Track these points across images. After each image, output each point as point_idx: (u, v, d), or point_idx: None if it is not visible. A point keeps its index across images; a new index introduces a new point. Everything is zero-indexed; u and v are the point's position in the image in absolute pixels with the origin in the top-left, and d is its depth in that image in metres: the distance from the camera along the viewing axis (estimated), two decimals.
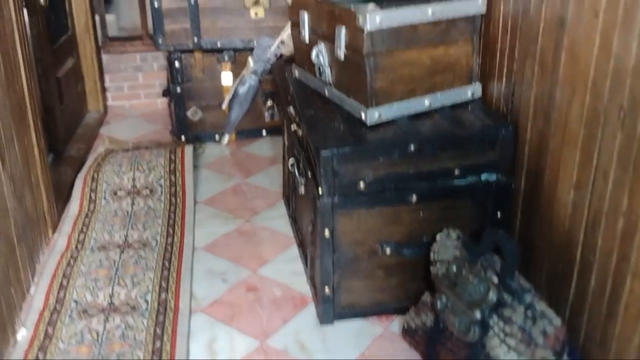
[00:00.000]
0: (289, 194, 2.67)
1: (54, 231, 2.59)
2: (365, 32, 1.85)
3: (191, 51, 3.34)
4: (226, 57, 3.35)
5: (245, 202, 2.88)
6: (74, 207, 2.77)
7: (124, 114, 4.06)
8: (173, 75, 3.37)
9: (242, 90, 3.29)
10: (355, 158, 1.87)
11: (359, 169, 1.88)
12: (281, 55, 3.12)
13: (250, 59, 3.21)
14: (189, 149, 3.14)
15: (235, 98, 3.33)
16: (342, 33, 1.97)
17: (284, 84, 2.56)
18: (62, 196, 2.81)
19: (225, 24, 3.31)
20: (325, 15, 2.07)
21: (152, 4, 3.24)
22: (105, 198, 2.82)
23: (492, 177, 1.97)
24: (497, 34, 2.07)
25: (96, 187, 2.86)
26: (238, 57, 3.36)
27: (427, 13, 1.94)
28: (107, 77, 4.04)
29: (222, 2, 3.27)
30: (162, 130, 3.78)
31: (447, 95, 2.10)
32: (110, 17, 4.92)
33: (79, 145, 3.40)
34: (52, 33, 3.25)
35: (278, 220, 2.70)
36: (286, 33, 3.03)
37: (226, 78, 3.39)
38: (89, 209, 2.76)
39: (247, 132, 3.55)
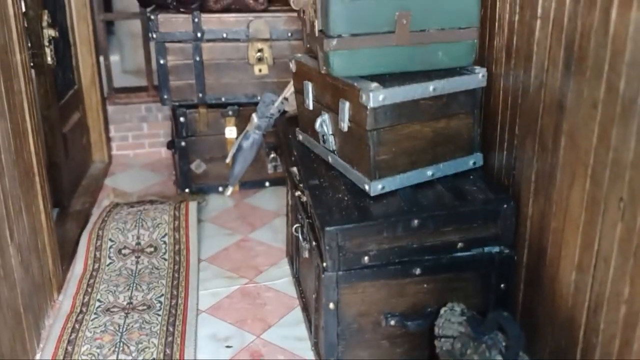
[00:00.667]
0: (293, 254, 2.69)
1: (59, 293, 2.60)
2: (369, 109, 1.89)
3: (196, 106, 3.40)
4: (230, 112, 3.40)
5: (249, 260, 2.89)
6: (78, 266, 2.79)
7: (128, 163, 4.10)
8: (178, 129, 3.41)
9: (246, 144, 3.32)
10: (360, 233, 1.89)
11: (363, 244, 1.91)
12: (285, 112, 3.16)
13: (254, 115, 3.25)
14: (193, 205, 3.16)
15: (239, 152, 3.36)
16: (346, 107, 2.01)
17: (287, 142, 2.60)
18: (67, 254, 2.83)
19: (229, 80, 3.37)
20: (329, 87, 2.11)
21: (157, 60, 3.30)
22: (109, 257, 2.83)
23: (495, 249, 1.99)
24: (497, 108, 2.11)
25: (101, 245, 2.88)
26: (242, 112, 3.42)
27: (429, 89, 1.98)
28: (112, 128, 4.09)
29: (227, 58, 3.34)
30: (166, 180, 3.81)
31: (449, 165, 2.13)
32: (114, 59, 4.99)
33: (84, 199, 3.43)
34: (59, 89, 3.30)
35: (282, 280, 2.71)
36: (289, 90, 3.07)
37: (230, 133, 3.44)
38: (93, 268, 2.77)
39: (251, 184, 3.59)
